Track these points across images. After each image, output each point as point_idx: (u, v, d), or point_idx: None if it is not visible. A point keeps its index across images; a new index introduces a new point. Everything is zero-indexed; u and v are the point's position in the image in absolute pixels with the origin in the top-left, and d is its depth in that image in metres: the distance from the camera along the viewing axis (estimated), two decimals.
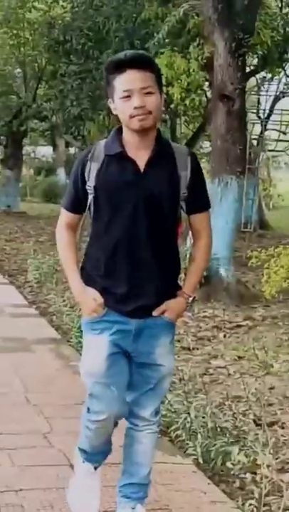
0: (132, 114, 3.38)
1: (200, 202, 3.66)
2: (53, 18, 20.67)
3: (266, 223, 23.81)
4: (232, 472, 4.61)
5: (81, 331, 7.48)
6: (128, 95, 3.38)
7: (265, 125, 23.35)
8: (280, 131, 24.30)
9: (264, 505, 4.14)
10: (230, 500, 4.21)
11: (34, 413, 5.57)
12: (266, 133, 24.25)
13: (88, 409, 3.66)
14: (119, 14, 17.01)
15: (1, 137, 27.81)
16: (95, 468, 3.88)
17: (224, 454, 4.72)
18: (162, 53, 12.15)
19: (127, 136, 3.50)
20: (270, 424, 5.69)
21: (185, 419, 5.19)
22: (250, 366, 7.43)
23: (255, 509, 4.09)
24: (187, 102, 12.54)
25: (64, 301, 9.57)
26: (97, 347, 3.54)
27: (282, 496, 4.21)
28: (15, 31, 22.86)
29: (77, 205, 3.65)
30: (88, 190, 3.53)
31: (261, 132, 23.42)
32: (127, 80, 3.38)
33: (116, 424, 3.69)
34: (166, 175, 3.51)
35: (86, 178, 3.53)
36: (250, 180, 19.19)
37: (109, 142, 3.55)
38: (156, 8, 14.92)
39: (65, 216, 3.72)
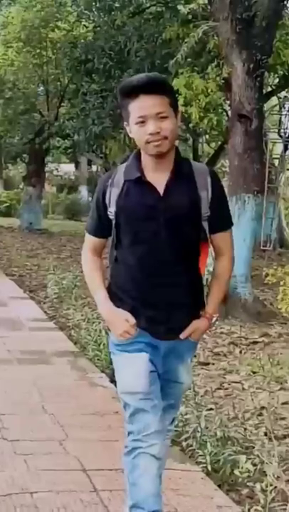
0: (148, 139, 3.39)
1: (222, 221, 3.66)
2: (76, 37, 20.90)
3: (286, 242, 23.84)
4: (240, 480, 4.74)
5: (99, 345, 7.74)
6: (143, 121, 3.38)
7: (287, 144, 23.46)
8: None
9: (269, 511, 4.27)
10: (236, 505, 4.35)
11: (50, 421, 5.73)
12: (288, 152, 24.34)
13: (131, 433, 3.59)
14: (141, 34, 17.20)
15: (24, 155, 28.03)
16: None
17: (232, 462, 4.86)
18: (181, 73, 12.31)
19: (145, 159, 3.51)
20: (282, 437, 5.81)
21: (195, 429, 5.32)
22: (264, 381, 7.54)
23: None
24: (205, 121, 12.69)
25: (82, 315, 9.73)
26: (137, 364, 3.51)
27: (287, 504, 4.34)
28: (38, 50, 23.07)
29: (101, 230, 3.66)
30: (110, 216, 3.55)
31: (284, 151, 23.54)
32: (141, 107, 3.39)
33: (161, 459, 3.58)
34: (187, 196, 3.50)
35: (107, 204, 3.54)
36: (269, 199, 19.33)
37: (129, 167, 3.56)
38: (177, 29, 15.10)
39: (89, 241, 3.74)
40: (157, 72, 15.60)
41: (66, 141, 26.67)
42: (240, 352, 8.95)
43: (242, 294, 11.17)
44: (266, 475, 4.65)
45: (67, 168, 43.19)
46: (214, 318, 3.71)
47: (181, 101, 12.05)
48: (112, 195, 3.52)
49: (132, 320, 3.52)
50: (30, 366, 7.53)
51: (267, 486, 4.37)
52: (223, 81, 12.00)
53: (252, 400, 6.58)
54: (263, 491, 4.37)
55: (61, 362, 7.72)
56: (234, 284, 11.03)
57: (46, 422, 5.74)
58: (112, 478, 4.62)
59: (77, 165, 39.67)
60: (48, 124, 23.61)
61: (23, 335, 9.10)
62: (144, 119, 3.38)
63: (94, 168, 39.17)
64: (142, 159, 3.53)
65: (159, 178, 3.49)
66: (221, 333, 9.82)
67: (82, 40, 20.23)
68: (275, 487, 4.54)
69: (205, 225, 3.56)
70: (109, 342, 3.72)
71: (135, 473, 3.56)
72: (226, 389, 7.23)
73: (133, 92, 3.41)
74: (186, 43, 12.35)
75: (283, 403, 6.77)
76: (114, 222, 3.54)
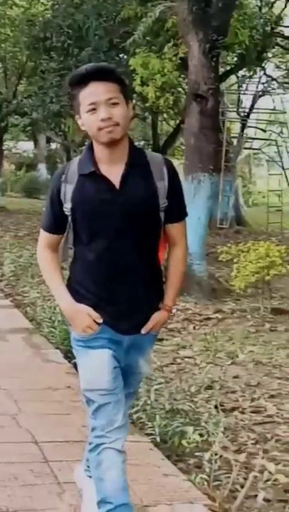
0: (100, 126, 3.33)
1: (178, 211, 3.60)
2: (34, 15, 20.84)
3: (243, 220, 24.08)
4: (187, 451, 4.89)
5: (53, 322, 7.84)
6: (94, 108, 3.33)
7: (245, 123, 23.66)
8: (261, 129, 24.66)
9: (215, 480, 4.41)
10: (182, 474, 4.49)
11: (4, 396, 5.82)
12: (248, 131, 24.59)
13: (95, 428, 3.53)
14: (99, 13, 17.21)
15: None
16: None
17: (180, 434, 5.00)
18: (138, 53, 12.39)
19: (98, 151, 3.44)
20: (231, 410, 6.00)
21: (145, 402, 5.44)
22: (216, 356, 7.71)
23: (205, 482, 4.39)
24: (162, 100, 12.79)
25: (38, 293, 9.80)
26: (100, 362, 3.48)
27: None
28: None
29: (56, 227, 3.59)
30: (66, 212, 3.47)
31: (241, 130, 23.72)
32: (91, 93, 3.34)
33: (125, 452, 3.56)
34: (143, 188, 3.44)
35: (63, 200, 3.47)
36: (226, 177, 19.53)
37: (83, 160, 3.50)
38: (135, 8, 15.13)
39: (45, 237, 3.66)
40: (115, 52, 15.73)
41: (25, 119, 26.53)
42: (194, 328, 9.13)
43: (197, 271, 11.34)
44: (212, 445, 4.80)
45: (26, 146, 42.96)
46: (174, 310, 3.77)
47: (137, 80, 12.17)
48: (67, 191, 3.46)
49: (95, 314, 3.47)
50: None
51: (212, 456, 4.51)
52: (180, 61, 12.10)
53: (199, 373, 6.72)
54: (209, 460, 4.51)
55: (16, 339, 7.80)
56: (189, 261, 11.13)
57: (0, 397, 5.82)
58: (62, 449, 4.75)
59: (36, 143, 39.47)
60: (5, 102, 23.49)
61: None
62: (95, 106, 3.33)
63: (53, 146, 39.09)
64: (95, 151, 3.46)
65: (114, 171, 3.43)
66: (176, 310, 9.97)
67: (41, 18, 20.16)
68: (221, 456, 4.70)
69: (162, 215, 3.51)
70: (71, 337, 3.66)
71: (101, 468, 3.50)
72: (179, 364, 7.39)
73: (83, 80, 3.37)
74: (143, 22, 12.42)
75: (234, 377, 6.96)
76: (70, 218, 3.48)
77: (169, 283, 3.64)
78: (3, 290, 10.85)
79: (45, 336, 7.95)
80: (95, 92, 3.34)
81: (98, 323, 3.48)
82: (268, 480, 4.53)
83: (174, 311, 3.83)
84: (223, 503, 4.19)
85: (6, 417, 5.35)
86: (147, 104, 13.98)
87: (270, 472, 4.58)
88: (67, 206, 3.46)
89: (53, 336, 7.73)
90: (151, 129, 26.77)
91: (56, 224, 3.58)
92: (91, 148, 3.49)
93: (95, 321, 3.48)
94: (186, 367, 7.25)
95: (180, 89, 16.50)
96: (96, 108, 3.33)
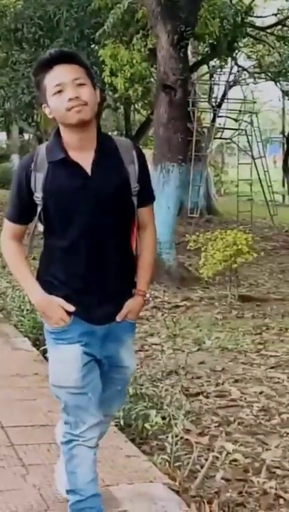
0: (68, 106, 3.24)
1: (147, 194, 3.57)
2: (5, 6, 20.70)
3: (214, 209, 24.21)
4: (150, 433, 5.03)
5: (22, 311, 7.95)
6: (60, 90, 3.25)
7: (215, 113, 23.80)
8: (232, 119, 24.79)
9: (177, 461, 4.55)
10: (144, 455, 4.64)
11: None
12: (219, 121, 24.72)
13: (67, 423, 3.52)
14: (70, 3, 17.17)
15: None
16: None
17: (144, 417, 5.14)
18: (107, 45, 12.49)
19: (67, 136, 3.35)
20: (196, 394, 6.15)
21: None
22: (183, 343, 7.86)
23: (167, 463, 4.54)
24: (131, 91, 12.90)
25: (8, 282, 9.89)
26: (69, 358, 3.41)
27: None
28: None
29: (23, 216, 3.48)
30: (36, 201, 3.36)
31: (213, 120, 23.86)
32: (56, 75, 3.27)
33: (98, 445, 3.60)
34: (115, 173, 3.39)
35: (33, 189, 3.36)
36: (196, 167, 19.68)
37: (50, 147, 3.40)
38: None
39: (9, 228, 3.53)
40: (86, 43, 15.63)
41: None
42: (162, 315, 9.26)
43: (166, 260, 11.50)
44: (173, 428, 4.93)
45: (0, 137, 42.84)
46: (148, 295, 3.73)
47: (107, 71, 12.27)
48: (38, 180, 3.35)
49: (67, 305, 3.40)
50: None
51: (173, 437, 4.65)
52: (148, 52, 12.21)
53: (172, 361, 6.85)
54: (170, 442, 4.66)
55: None
56: (159, 250, 11.31)
57: None
58: (28, 434, 4.88)
59: (8, 134, 39.33)
60: None
61: None
62: (61, 88, 3.25)
63: (26, 136, 38.97)
64: (63, 137, 3.37)
65: (83, 157, 3.35)
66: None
67: (12, 9, 20.09)
68: (183, 438, 4.85)
69: (135, 200, 3.47)
70: (44, 329, 3.58)
71: (72, 463, 3.52)
72: (146, 351, 7.53)
73: (48, 64, 3.29)
74: (112, 13, 12.51)
75: (200, 363, 7.11)
76: (41, 207, 3.36)
77: (141, 269, 3.58)
78: None
79: (14, 324, 8.05)
80: (60, 74, 3.27)
81: (70, 314, 3.41)
82: (229, 461, 4.69)
83: (147, 295, 3.72)
84: (184, 482, 4.34)
85: None
86: (116, 95, 14.10)
87: (228, 453, 4.74)
88: (37, 195, 3.35)
89: (22, 325, 7.83)
90: (124, 119, 26.87)
91: (23, 214, 3.47)
92: (58, 134, 3.40)
93: (67, 311, 3.41)
94: (153, 353, 7.38)
95: (152, 79, 16.61)
96: (62, 89, 3.26)
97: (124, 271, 3.52)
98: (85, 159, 3.35)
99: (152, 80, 16.78)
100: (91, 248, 3.38)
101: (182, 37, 11.35)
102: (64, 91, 3.25)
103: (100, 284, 3.42)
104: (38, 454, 4.52)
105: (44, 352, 3.55)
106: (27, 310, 7.88)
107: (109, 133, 3.83)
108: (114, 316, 3.48)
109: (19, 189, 3.42)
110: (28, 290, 3.53)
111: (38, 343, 7.00)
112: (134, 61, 12.28)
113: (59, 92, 3.26)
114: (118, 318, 3.48)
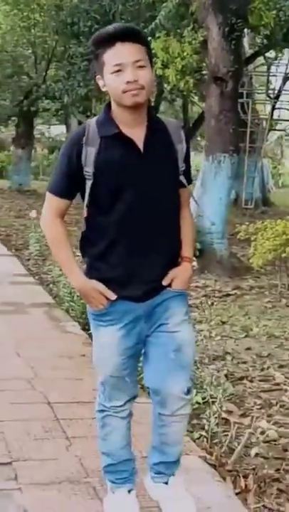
0: (125, 89, 3.20)
1: (189, 175, 3.57)
2: (61, 0, 21.00)
3: (269, 200, 24.19)
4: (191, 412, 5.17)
5: (73, 297, 8.15)
6: (119, 69, 3.19)
7: (274, 105, 23.77)
8: None
9: (214, 438, 4.71)
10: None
11: (22, 364, 6.19)
12: (277, 112, 24.67)
13: (101, 394, 3.59)
14: None
15: (13, 117, 28.19)
16: (129, 491, 3.70)
17: None
18: (158, 37, 12.61)
19: (119, 113, 3.32)
20: (241, 378, 6.26)
21: None
22: (231, 330, 7.98)
23: (205, 439, 4.69)
24: (182, 83, 13.00)
25: (61, 270, 10.09)
26: (109, 342, 3.42)
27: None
28: (25, 13, 22.92)
29: (69, 191, 3.42)
30: (86, 176, 3.31)
31: (272, 112, 23.85)
32: (118, 54, 3.19)
33: (131, 414, 3.65)
34: (166, 151, 3.38)
35: (83, 164, 3.30)
36: (251, 158, 19.71)
37: (102, 122, 3.35)
38: None
39: (53, 202, 3.45)
40: None
41: (56, 103, 26.74)
42: (212, 304, 9.37)
43: (218, 249, 11.61)
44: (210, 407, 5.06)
45: (59, 130, 43.19)
46: (194, 262, 3.69)
47: (158, 64, 12.39)
48: (89, 155, 3.28)
49: (109, 294, 3.38)
50: (7, 316, 7.97)
51: (210, 415, 4.80)
52: (198, 44, 12.30)
53: (220, 346, 6.97)
54: (208, 419, 4.81)
55: (37, 312, 8.15)
56: (210, 240, 11.48)
57: (18, 364, 6.19)
58: (72, 409, 5.11)
59: (67, 127, 39.62)
60: (36, 86, 23.74)
61: (2, 288, 9.47)
62: (121, 68, 3.19)
63: None
64: (114, 114, 3.34)
65: (135, 134, 3.31)
66: (196, 287, 10.23)
67: (68, 3, 20.34)
68: (222, 418, 5.00)
69: (182, 179, 3.48)
70: (87, 311, 3.57)
71: (104, 431, 3.60)
72: (195, 337, 7.63)
73: (110, 40, 3.21)
74: (164, 7, 12.64)
75: (246, 348, 7.23)
76: (91, 182, 3.31)
77: (184, 238, 3.54)
78: (30, 269, 11.17)
79: (65, 310, 8.27)
80: (122, 53, 3.20)
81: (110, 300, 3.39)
82: (268, 441, 4.82)
83: (194, 263, 3.65)
84: (221, 458, 4.49)
85: (22, 381, 5.71)
86: (168, 87, 14.19)
87: (265, 432, 4.87)
88: (88, 170, 3.30)
89: (72, 310, 8.05)
90: (182, 111, 26.99)
91: (70, 188, 3.41)
92: (109, 108, 3.37)
93: (107, 297, 3.38)
94: (202, 340, 7.51)
95: (203, 71, 16.68)
96: (122, 69, 3.19)
97: (172, 249, 3.49)
98: (137, 136, 3.32)
99: (204, 72, 16.91)
100: (139, 225, 3.34)
101: (233, 29, 11.39)
102: (123, 71, 3.20)
103: (145, 263, 3.38)
104: (81, 427, 4.73)
105: (92, 336, 3.70)
106: (77, 296, 8.06)
107: None
108: (157, 290, 3.42)
109: (69, 163, 3.34)
110: (68, 274, 3.50)
111: (87, 327, 7.18)
112: (185, 53, 12.37)
113: (118, 70, 3.21)
114: (164, 282, 3.42)
